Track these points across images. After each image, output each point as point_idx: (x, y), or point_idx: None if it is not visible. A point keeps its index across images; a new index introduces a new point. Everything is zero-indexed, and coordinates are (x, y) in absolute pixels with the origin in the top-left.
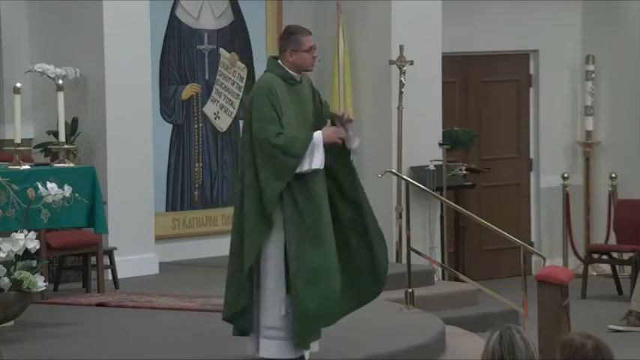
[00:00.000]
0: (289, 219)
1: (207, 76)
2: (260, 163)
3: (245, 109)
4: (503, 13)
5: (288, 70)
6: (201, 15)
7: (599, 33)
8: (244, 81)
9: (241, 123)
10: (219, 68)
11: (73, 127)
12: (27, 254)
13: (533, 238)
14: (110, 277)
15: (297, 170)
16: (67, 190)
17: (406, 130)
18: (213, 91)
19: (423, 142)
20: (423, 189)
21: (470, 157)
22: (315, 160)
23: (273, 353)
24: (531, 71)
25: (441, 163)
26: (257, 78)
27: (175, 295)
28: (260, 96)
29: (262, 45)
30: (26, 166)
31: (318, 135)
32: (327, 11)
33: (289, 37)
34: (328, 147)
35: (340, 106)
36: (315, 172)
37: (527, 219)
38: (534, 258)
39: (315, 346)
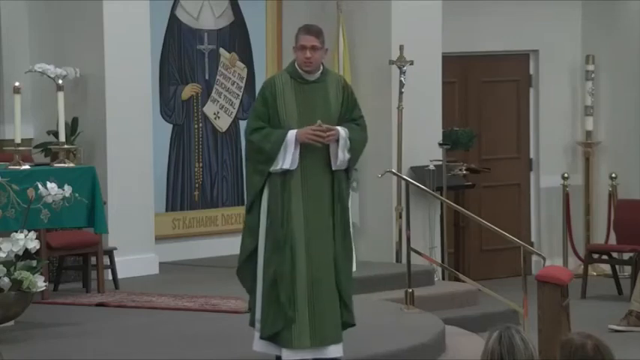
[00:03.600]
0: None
1: (207, 76)
2: (245, 157)
3: None
4: (503, 13)
5: (297, 69)
6: (201, 15)
7: (599, 33)
8: (244, 81)
9: (241, 123)
10: (219, 68)
11: (73, 127)
12: (27, 254)
13: (533, 238)
14: (110, 277)
15: (272, 168)
16: (67, 190)
17: (406, 130)
18: (213, 91)
19: (423, 142)
20: (423, 189)
21: (470, 157)
22: (287, 159)
23: (257, 346)
24: (531, 71)
25: (441, 163)
26: (257, 78)
27: (175, 295)
28: (260, 90)
29: (262, 45)
30: (26, 166)
31: (292, 133)
32: (327, 11)
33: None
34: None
35: None
36: (291, 175)
37: (527, 219)
38: (534, 258)
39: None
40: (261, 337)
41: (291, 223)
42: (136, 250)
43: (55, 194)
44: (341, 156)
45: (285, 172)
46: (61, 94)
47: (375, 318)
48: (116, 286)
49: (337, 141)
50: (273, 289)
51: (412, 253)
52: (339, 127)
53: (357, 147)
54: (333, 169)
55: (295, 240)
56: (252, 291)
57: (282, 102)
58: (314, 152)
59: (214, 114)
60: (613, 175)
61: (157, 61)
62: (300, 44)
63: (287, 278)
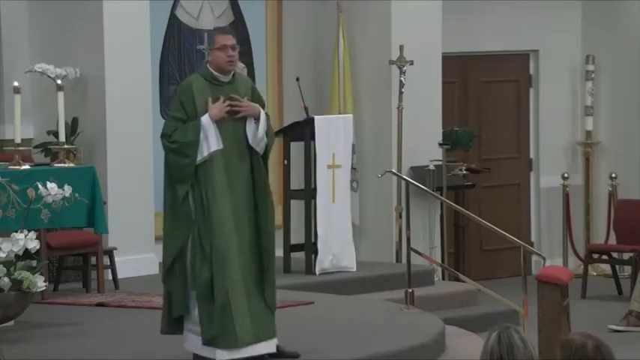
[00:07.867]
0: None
1: None
2: (165, 167)
3: None
4: (503, 13)
5: (212, 71)
6: (201, 15)
7: (599, 33)
8: None
9: None
10: None
11: (73, 127)
12: (27, 254)
13: (533, 238)
14: (110, 277)
15: (199, 158)
16: (67, 190)
17: (406, 130)
18: None
19: (423, 142)
20: (423, 189)
21: (470, 157)
22: (211, 140)
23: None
24: (531, 71)
25: (441, 163)
26: (257, 78)
27: None
28: (175, 94)
29: (262, 45)
30: (26, 166)
31: (204, 117)
32: (327, 11)
33: (211, 37)
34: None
35: (340, 106)
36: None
37: (527, 219)
38: (534, 258)
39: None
40: (205, 343)
41: (222, 225)
42: (136, 250)
43: (55, 194)
44: (261, 132)
45: (207, 169)
46: (61, 94)
47: (375, 318)
48: (116, 286)
49: (257, 120)
50: (209, 293)
51: (412, 253)
52: (257, 105)
53: (271, 133)
54: (250, 143)
55: (227, 243)
56: (178, 295)
57: (201, 106)
58: (230, 137)
59: None
60: (613, 175)
61: (157, 61)
62: (222, 44)
63: (222, 281)
